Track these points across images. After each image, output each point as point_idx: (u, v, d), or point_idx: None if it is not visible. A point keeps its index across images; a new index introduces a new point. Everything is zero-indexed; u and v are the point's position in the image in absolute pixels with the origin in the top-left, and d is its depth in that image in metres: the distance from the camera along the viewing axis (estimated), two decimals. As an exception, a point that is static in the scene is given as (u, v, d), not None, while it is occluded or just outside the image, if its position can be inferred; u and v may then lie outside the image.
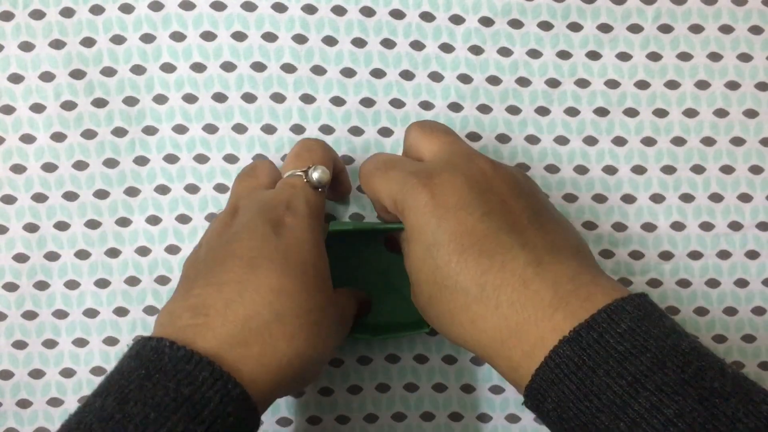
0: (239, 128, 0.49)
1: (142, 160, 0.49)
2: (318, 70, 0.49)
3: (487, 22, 0.49)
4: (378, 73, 0.49)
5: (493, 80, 0.50)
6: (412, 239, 0.39)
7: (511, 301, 0.35)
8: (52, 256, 0.49)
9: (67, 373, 0.49)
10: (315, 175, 0.42)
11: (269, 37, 0.49)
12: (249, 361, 0.35)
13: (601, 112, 0.50)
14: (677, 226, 0.50)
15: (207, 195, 0.49)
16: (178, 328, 0.35)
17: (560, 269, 0.36)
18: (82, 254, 0.49)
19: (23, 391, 0.49)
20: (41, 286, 0.49)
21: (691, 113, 0.50)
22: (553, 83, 0.50)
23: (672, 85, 0.50)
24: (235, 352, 0.34)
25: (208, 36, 0.49)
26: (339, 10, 0.49)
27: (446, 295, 0.37)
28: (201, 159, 0.49)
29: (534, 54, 0.50)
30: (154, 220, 0.49)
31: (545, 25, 0.50)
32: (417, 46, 0.49)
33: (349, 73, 0.49)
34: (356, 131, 0.49)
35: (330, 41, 0.49)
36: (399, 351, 0.49)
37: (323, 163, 0.43)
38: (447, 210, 0.37)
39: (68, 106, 0.49)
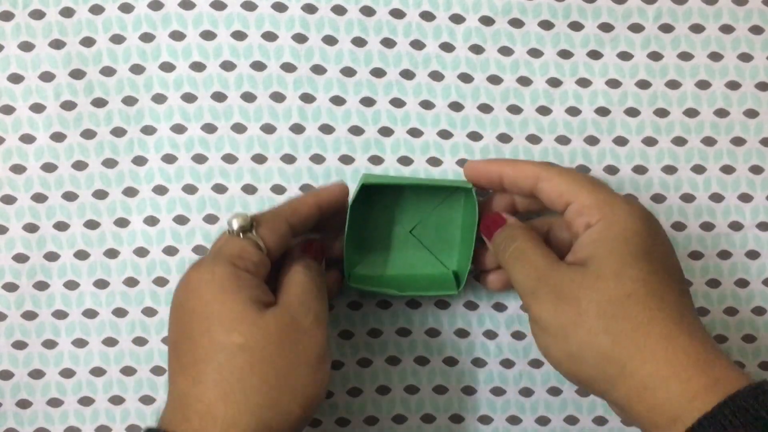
0: (238, 128, 0.49)
1: (140, 160, 0.49)
2: (318, 70, 0.49)
3: (487, 21, 0.49)
4: (378, 73, 0.49)
5: (494, 80, 0.50)
6: (619, 240, 0.38)
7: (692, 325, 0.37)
8: (51, 257, 0.49)
9: (67, 373, 0.49)
10: (234, 223, 0.40)
11: (269, 36, 0.49)
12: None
13: (603, 111, 0.50)
14: (678, 226, 0.50)
15: (205, 196, 0.49)
16: None
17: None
18: (82, 254, 0.49)
19: (23, 392, 0.49)
20: (41, 286, 0.49)
21: (691, 113, 0.50)
22: (554, 83, 0.50)
23: (673, 84, 0.50)
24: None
25: (208, 35, 0.49)
26: (339, 10, 0.49)
27: (653, 303, 0.37)
28: (199, 159, 0.49)
29: (535, 53, 0.50)
30: (152, 221, 0.49)
31: (546, 25, 0.49)
32: (417, 45, 0.49)
33: (349, 72, 0.49)
34: (356, 131, 0.49)
35: (330, 41, 0.49)
36: (399, 353, 0.49)
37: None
38: (659, 233, 0.40)
39: (68, 106, 0.49)
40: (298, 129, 0.49)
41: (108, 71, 0.49)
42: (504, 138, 0.50)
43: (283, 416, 0.36)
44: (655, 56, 0.50)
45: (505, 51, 0.50)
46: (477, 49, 0.49)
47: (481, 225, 0.44)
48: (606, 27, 0.50)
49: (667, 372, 0.35)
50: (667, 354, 0.35)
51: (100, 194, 0.49)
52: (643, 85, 0.50)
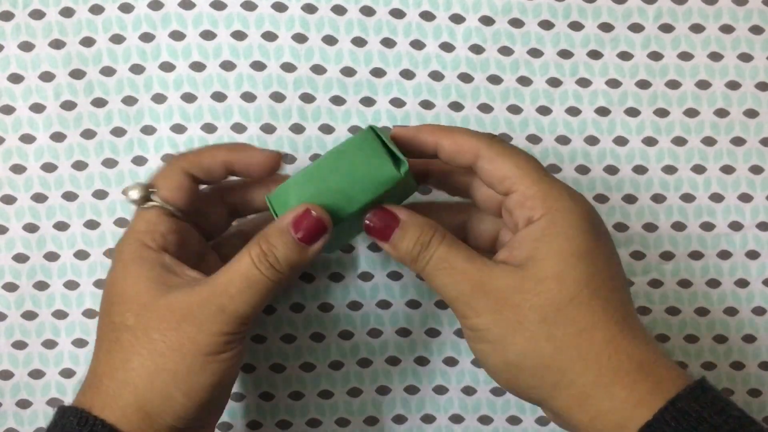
0: (238, 128, 0.49)
1: (140, 160, 0.49)
2: (318, 70, 0.49)
3: (487, 21, 0.49)
4: (378, 73, 0.49)
5: (494, 79, 0.50)
6: (561, 237, 0.36)
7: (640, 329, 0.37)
8: (51, 257, 0.49)
9: (67, 373, 0.49)
10: (133, 194, 0.39)
11: (269, 36, 0.49)
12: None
13: (603, 111, 0.50)
14: (678, 226, 0.50)
15: (206, 196, 0.49)
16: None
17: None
18: (82, 254, 0.49)
19: (23, 391, 0.49)
20: (41, 286, 0.49)
21: (691, 113, 0.50)
22: (554, 82, 0.50)
23: (673, 84, 0.50)
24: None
25: (208, 35, 0.49)
26: (339, 10, 0.49)
27: (597, 306, 0.35)
28: (200, 159, 0.49)
29: (535, 53, 0.50)
30: (153, 221, 0.49)
31: (546, 24, 0.49)
32: (417, 45, 0.49)
33: (349, 72, 0.49)
34: (356, 131, 0.49)
35: (330, 40, 0.49)
36: (399, 353, 0.49)
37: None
38: (602, 232, 0.38)
39: (68, 105, 0.49)
40: (298, 129, 0.49)
41: (108, 71, 0.49)
42: (504, 138, 0.50)
43: (163, 400, 0.35)
44: (655, 56, 0.50)
45: (505, 51, 0.50)
46: (477, 49, 0.49)
47: (366, 225, 0.39)
48: (606, 27, 0.50)
49: (610, 378, 0.34)
50: (610, 360, 0.34)
51: (100, 194, 0.49)
52: (643, 85, 0.50)
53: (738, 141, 0.50)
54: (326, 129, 0.49)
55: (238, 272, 0.36)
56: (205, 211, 0.42)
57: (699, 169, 0.50)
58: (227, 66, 0.49)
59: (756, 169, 0.50)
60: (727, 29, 0.50)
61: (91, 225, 0.49)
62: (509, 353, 0.35)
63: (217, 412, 0.40)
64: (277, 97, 0.49)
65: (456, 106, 0.49)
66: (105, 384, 0.36)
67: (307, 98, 0.49)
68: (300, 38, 0.49)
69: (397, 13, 0.49)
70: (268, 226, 0.37)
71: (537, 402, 0.37)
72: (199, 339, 0.36)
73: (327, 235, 0.37)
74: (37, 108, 0.49)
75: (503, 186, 0.38)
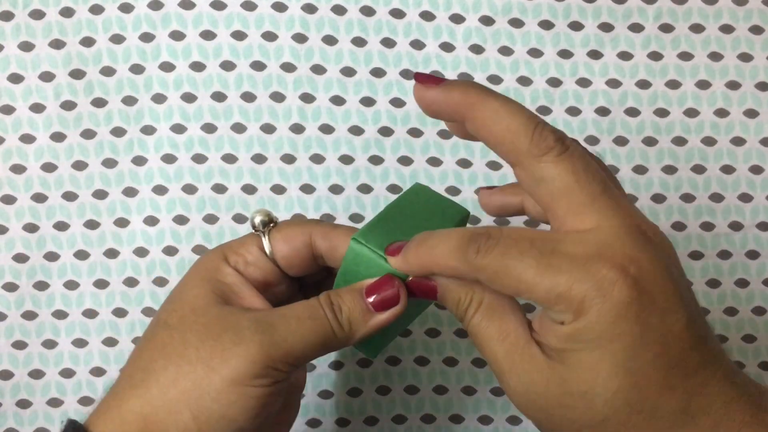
0: (238, 128, 0.49)
1: (140, 160, 0.49)
2: (318, 70, 0.49)
3: (487, 21, 0.49)
4: (378, 73, 0.49)
5: (494, 79, 0.50)
6: (591, 345, 0.29)
7: (715, 423, 0.29)
8: (51, 257, 0.49)
9: (67, 373, 0.49)
10: (255, 218, 0.37)
11: (269, 36, 0.49)
12: None
13: (603, 111, 0.50)
14: (678, 226, 0.50)
15: (204, 196, 0.49)
16: None
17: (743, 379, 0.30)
18: (81, 254, 0.49)
19: (23, 391, 0.49)
20: (41, 286, 0.49)
21: (691, 113, 0.50)
22: (554, 82, 0.50)
23: (673, 84, 0.50)
24: None
25: (208, 35, 0.49)
26: (339, 10, 0.49)
27: (640, 422, 0.29)
28: (199, 159, 0.49)
29: (535, 53, 0.50)
30: (151, 221, 0.49)
31: (546, 24, 0.49)
32: (417, 45, 0.49)
33: (349, 72, 0.49)
34: (356, 131, 0.49)
35: (330, 40, 0.49)
36: (399, 353, 0.49)
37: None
38: (653, 313, 0.28)
39: (68, 105, 0.49)
40: (298, 129, 0.49)
41: (108, 71, 0.49)
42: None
43: (168, 415, 0.32)
44: (655, 56, 0.50)
45: (505, 51, 0.50)
46: (477, 49, 0.49)
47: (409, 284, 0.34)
48: (606, 27, 0.50)
49: None
50: None
51: (100, 194, 0.49)
52: (643, 85, 0.50)
53: (738, 141, 0.50)
54: (326, 129, 0.49)
55: (305, 306, 0.34)
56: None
57: (699, 169, 0.50)
58: (227, 66, 0.49)
59: (756, 169, 0.50)
60: (727, 29, 0.50)
61: (91, 225, 0.49)
62: None
63: None
64: (277, 97, 0.49)
65: (456, 106, 0.49)
66: (123, 385, 0.34)
67: (307, 98, 0.49)
68: (300, 38, 0.49)
69: (397, 13, 0.49)
70: (346, 287, 0.35)
71: None
72: (233, 356, 0.32)
73: (397, 309, 0.34)
74: (37, 108, 0.49)
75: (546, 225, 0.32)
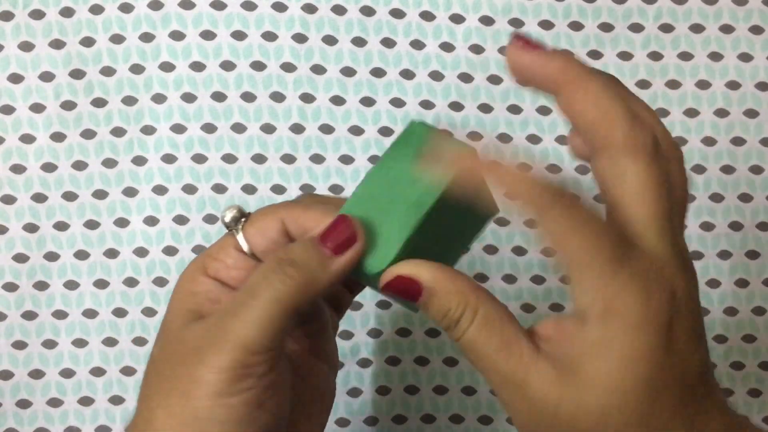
0: (238, 128, 0.49)
1: (140, 160, 0.49)
2: (318, 70, 0.49)
3: (487, 21, 0.49)
4: (378, 73, 0.49)
5: (494, 79, 0.50)
6: (617, 356, 0.27)
7: None
8: (51, 257, 0.49)
9: (67, 373, 0.49)
10: (226, 216, 0.34)
11: (269, 36, 0.49)
12: None
13: (602, 111, 0.50)
14: (678, 226, 0.50)
15: (205, 196, 0.49)
16: None
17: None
18: (81, 254, 0.49)
19: (23, 392, 0.49)
20: (41, 286, 0.49)
21: (691, 113, 0.50)
22: (553, 83, 0.50)
23: (673, 84, 0.50)
24: None
25: (208, 35, 0.49)
26: (339, 10, 0.49)
27: None
28: (199, 159, 0.49)
29: (535, 53, 0.49)
30: (151, 221, 0.49)
31: (546, 25, 0.49)
32: (417, 45, 0.49)
33: (349, 72, 0.49)
34: (356, 131, 0.49)
35: (330, 40, 0.49)
36: (399, 353, 0.49)
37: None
38: (681, 338, 0.28)
39: (68, 105, 0.49)
40: (298, 129, 0.49)
41: (108, 71, 0.49)
42: (504, 138, 0.50)
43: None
44: (655, 56, 0.50)
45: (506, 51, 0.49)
46: (477, 49, 0.49)
47: (388, 285, 0.31)
48: (606, 27, 0.50)
49: None
50: None
51: (100, 194, 0.49)
52: (643, 85, 0.50)
53: (738, 141, 0.50)
54: (326, 129, 0.49)
55: (247, 287, 0.31)
56: None
57: (699, 169, 0.50)
58: (227, 66, 0.49)
59: (756, 169, 0.50)
60: (727, 29, 0.50)
61: (91, 225, 0.49)
62: None
63: None
64: (277, 97, 0.49)
65: (456, 106, 0.49)
66: (135, 421, 0.32)
67: (307, 98, 0.49)
68: (300, 38, 0.49)
69: (397, 13, 0.49)
70: (293, 243, 0.32)
71: None
72: (203, 375, 0.30)
73: (358, 247, 0.31)
74: (37, 108, 0.49)
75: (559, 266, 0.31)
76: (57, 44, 0.49)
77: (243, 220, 0.34)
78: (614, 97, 0.29)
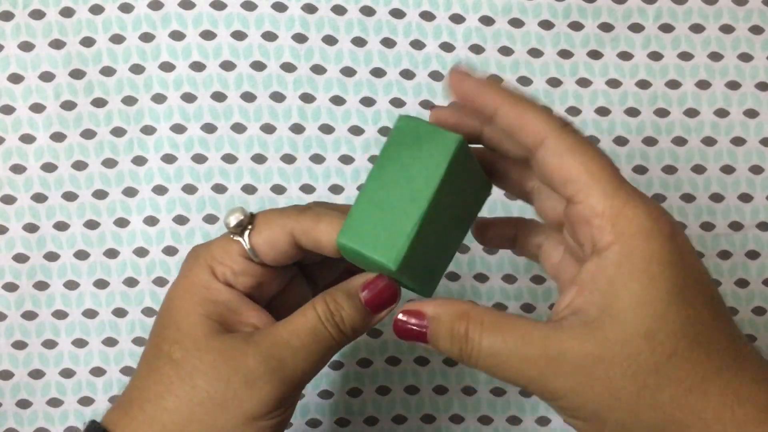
0: (238, 128, 0.49)
1: (140, 160, 0.49)
2: (318, 70, 0.49)
3: (487, 21, 0.49)
4: (378, 72, 0.49)
5: (494, 79, 0.50)
6: (644, 276, 0.29)
7: (759, 368, 0.30)
8: (51, 257, 0.49)
9: (67, 373, 0.49)
10: (231, 220, 0.34)
11: (269, 36, 0.49)
12: None
13: (603, 111, 0.50)
14: (678, 226, 0.50)
15: (205, 196, 0.49)
16: None
17: None
18: (81, 254, 0.49)
19: (23, 392, 0.49)
20: (41, 286, 0.49)
21: (692, 113, 0.50)
22: (554, 82, 0.50)
23: (673, 84, 0.50)
24: None
25: (208, 35, 0.49)
26: (339, 10, 0.49)
27: (701, 357, 0.29)
28: (199, 159, 0.49)
29: (535, 53, 0.50)
30: (151, 221, 0.49)
31: (546, 25, 0.49)
32: (417, 45, 0.49)
33: (349, 72, 0.49)
34: (356, 131, 0.49)
35: (330, 40, 0.49)
36: (399, 353, 0.49)
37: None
38: (695, 262, 0.30)
39: (68, 105, 0.49)
40: (298, 129, 0.49)
41: (108, 71, 0.49)
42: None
43: None
44: (655, 56, 0.50)
45: (505, 51, 0.50)
46: (477, 49, 0.49)
47: (399, 330, 0.33)
48: (606, 27, 0.50)
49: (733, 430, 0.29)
50: (733, 413, 0.29)
51: (100, 194, 0.49)
52: (643, 85, 0.50)
53: (738, 141, 0.50)
54: (326, 129, 0.49)
55: (305, 326, 0.33)
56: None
57: (699, 169, 0.50)
58: (227, 66, 0.49)
59: (756, 169, 0.50)
60: (727, 29, 0.50)
61: (91, 225, 0.49)
62: (611, 428, 0.30)
63: None
64: (277, 97, 0.49)
65: (456, 106, 0.49)
66: (134, 413, 0.33)
67: (307, 98, 0.49)
68: (300, 38, 0.49)
69: (397, 13, 0.49)
70: (336, 287, 0.34)
71: None
72: (247, 398, 0.32)
73: (395, 306, 0.34)
74: (37, 108, 0.49)
75: (565, 189, 0.30)
76: (57, 44, 0.49)
77: (250, 227, 0.34)
78: (521, 97, 0.32)
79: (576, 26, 0.50)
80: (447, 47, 0.49)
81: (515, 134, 0.31)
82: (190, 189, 0.49)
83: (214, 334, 0.33)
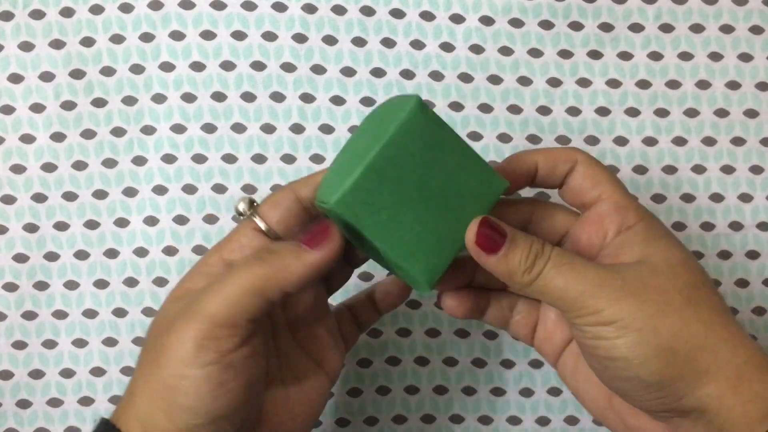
0: (238, 128, 0.49)
1: (140, 160, 0.49)
2: (318, 69, 0.49)
3: (487, 21, 0.49)
4: (378, 73, 0.49)
5: (494, 79, 0.49)
6: (663, 240, 0.36)
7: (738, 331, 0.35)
8: (51, 257, 0.49)
9: (67, 373, 0.49)
10: (239, 207, 0.37)
11: (269, 36, 0.49)
12: None
13: (603, 111, 0.50)
14: (678, 226, 0.50)
15: (205, 196, 0.49)
16: None
17: None
18: (81, 254, 0.49)
19: (23, 391, 0.49)
20: (41, 286, 0.49)
21: (692, 113, 0.50)
22: (554, 82, 0.50)
23: (673, 84, 0.50)
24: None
25: (208, 35, 0.49)
26: (339, 10, 0.49)
27: (708, 294, 0.35)
28: (199, 159, 0.49)
29: (535, 53, 0.50)
30: (151, 221, 0.49)
31: (546, 25, 0.49)
32: (417, 45, 0.49)
33: (349, 72, 0.49)
34: (355, 131, 0.49)
35: (330, 40, 0.49)
36: (399, 353, 0.49)
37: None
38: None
39: (68, 105, 0.49)
40: (298, 129, 0.49)
41: (108, 71, 0.49)
42: (504, 138, 0.50)
43: (152, 421, 0.33)
44: (655, 56, 0.50)
45: (505, 51, 0.49)
46: (477, 49, 0.49)
47: (476, 238, 0.35)
48: (606, 27, 0.50)
49: (759, 359, 0.33)
50: (752, 343, 0.33)
51: (100, 194, 0.49)
52: (643, 85, 0.50)
53: (738, 141, 0.50)
54: (326, 129, 0.49)
55: (229, 269, 0.35)
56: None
57: (699, 169, 0.50)
58: (227, 66, 0.49)
59: (756, 169, 0.50)
60: (727, 29, 0.50)
61: (91, 225, 0.49)
62: (662, 337, 0.33)
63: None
64: (277, 97, 0.49)
65: (456, 106, 0.49)
66: (132, 400, 0.34)
67: (307, 98, 0.49)
68: (300, 38, 0.49)
69: (397, 13, 0.49)
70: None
71: (681, 395, 0.33)
72: (172, 344, 0.33)
73: (332, 245, 0.35)
74: (37, 108, 0.49)
75: (595, 191, 0.37)
76: (57, 44, 0.49)
77: (255, 204, 0.37)
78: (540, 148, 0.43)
79: (576, 26, 0.50)
80: (447, 47, 0.49)
81: (555, 170, 0.38)
82: (190, 189, 0.49)
83: (173, 300, 0.35)
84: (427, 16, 0.49)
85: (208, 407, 0.33)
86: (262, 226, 0.36)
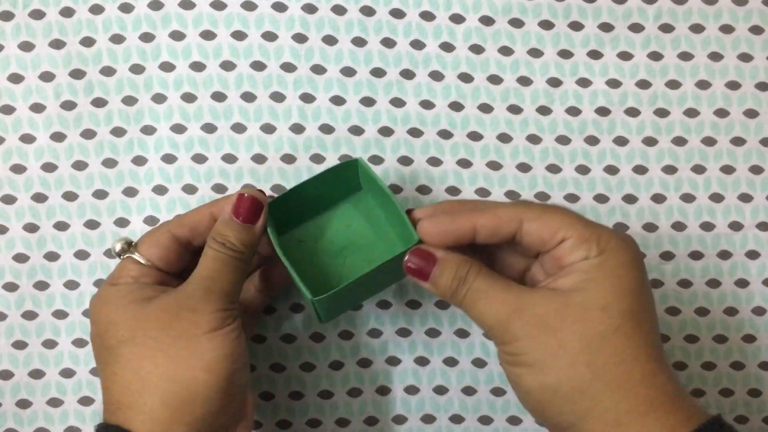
0: (238, 128, 0.49)
1: (140, 160, 0.49)
2: (318, 70, 0.49)
3: (487, 21, 0.49)
4: (378, 73, 0.49)
5: (494, 79, 0.50)
6: (610, 274, 0.37)
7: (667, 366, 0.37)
8: (51, 257, 0.49)
9: (67, 373, 0.49)
10: (116, 247, 0.42)
11: (269, 36, 0.49)
12: None
13: (603, 111, 0.50)
14: (678, 226, 0.50)
15: (205, 196, 0.49)
16: None
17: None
18: (82, 254, 0.49)
19: (23, 391, 0.49)
20: (41, 286, 0.49)
21: (692, 113, 0.50)
22: (554, 82, 0.50)
23: (673, 84, 0.50)
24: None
25: (208, 35, 0.49)
26: (339, 10, 0.49)
27: (639, 336, 0.36)
28: (199, 159, 0.49)
29: (535, 53, 0.50)
30: (151, 221, 0.49)
31: (546, 25, 0.49)
32: (417, 45, 0.49)
33: (349, 72, 0.49)
34: (356, 131, 0.49)
35: (330, 40, 0.49)
36: (400, 353, 0.49)
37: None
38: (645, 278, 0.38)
39: (68, 105, 0.49)
40: (298, 129, 0.49)
41: (108, 71, 0.49)
42: (504, 138, 0.50)
43: (186, 383, 0.37)
44: (655, 56, 0.50)
45: (505, 51, 0.49)
46: (477, 49, 0.49)
47: (407, 267, 0.40)
48: (606, 27, 0.50)
49: (645, 409, 0.35)
50: (648, 392, 0.35)
51: (100, 194, 0.49)
52: (643, 85, 0.50)
53: (738, 141, 0.50)
54: (326, 129, 0.49)
55: (211, 261, 0.40)
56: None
57: (699, 169, 0.50)
58: (227, 66, 0.49)
59: (756, 169, 0.50)
60: (727, 29, 0.50)
61: (91, 225, 0.49)
62: (547, 377, 0.36)
63: (241, 410, 0.41)
64: (277, 97, 0.49)
65: (456, 106, 0.49)
66: (126, 398, 0.37)
67: (307, 98, 0.49)
68: (300, 38, 0.49)
69: (397, 13, 0.49)
70: (217, 222, 0.41)
71: (563, 428, 0.37)
72: (199, 319, 0.38)
73: (265, 210, 0.41)
74: (37, 108, 0.49)
75: (556, 238, 0.38)
76: (57, 44, 0.49)
77: (133, 242, 0.42)
78: (480, 204, 0.41)
79: (576, 26, 0.50)
80: (447, 47, 0.49)
81: (499, 232, 0.39)
82: (190, 189, 0.49)
83: (145, 305, 0.39)
84: (427, 16, 0.49)
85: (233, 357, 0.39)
86: (143, 261, 0.41)
